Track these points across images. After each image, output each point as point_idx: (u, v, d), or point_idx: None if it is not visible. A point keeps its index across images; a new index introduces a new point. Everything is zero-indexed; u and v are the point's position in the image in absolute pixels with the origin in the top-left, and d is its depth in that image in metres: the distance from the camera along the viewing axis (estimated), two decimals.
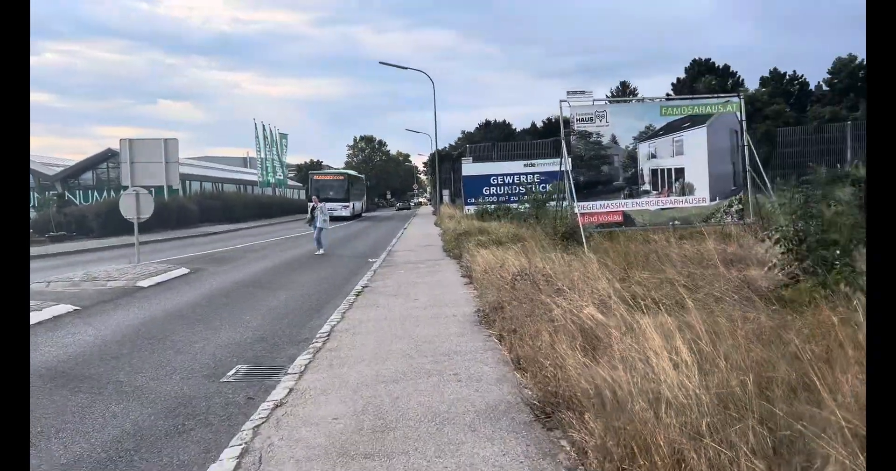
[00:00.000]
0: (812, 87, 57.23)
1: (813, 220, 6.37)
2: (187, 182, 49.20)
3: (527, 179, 30.48)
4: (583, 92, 13.77)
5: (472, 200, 30.73)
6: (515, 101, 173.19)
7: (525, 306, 6.46)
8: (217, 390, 5.65)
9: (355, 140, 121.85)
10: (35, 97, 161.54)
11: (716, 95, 14.81)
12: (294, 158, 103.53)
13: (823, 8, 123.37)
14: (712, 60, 60.12)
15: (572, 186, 13.29)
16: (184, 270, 14.03)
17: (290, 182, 73.13)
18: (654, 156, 13.88)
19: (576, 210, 13.40)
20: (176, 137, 23.38)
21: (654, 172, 13.91)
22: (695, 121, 13.93)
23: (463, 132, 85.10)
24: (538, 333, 5.65)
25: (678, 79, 60.55)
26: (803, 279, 6.21)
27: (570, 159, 13.62)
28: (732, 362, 4.22)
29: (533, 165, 31.84)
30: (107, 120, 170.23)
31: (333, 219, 35.25)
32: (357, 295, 10.02)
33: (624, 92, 60.78)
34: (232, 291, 11.61)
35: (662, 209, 13.92)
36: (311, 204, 20.29)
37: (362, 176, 67.23)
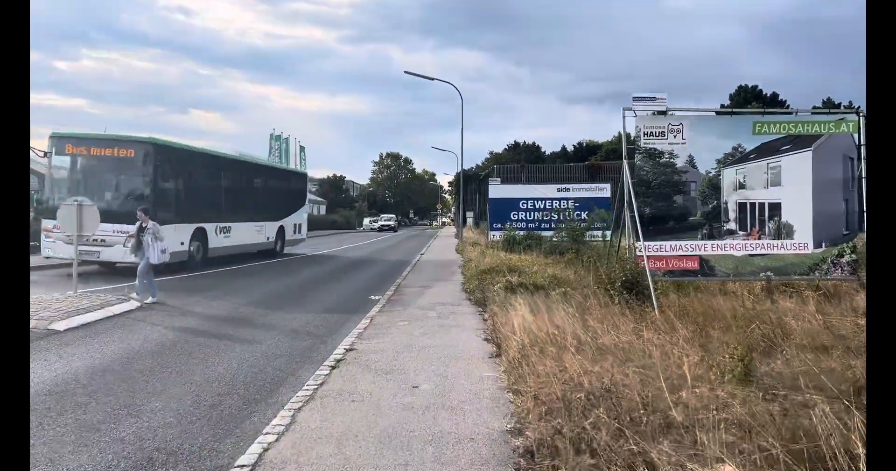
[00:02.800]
0: None
1: None
2: None
3: (560, 204, 27.30)
4: (653, 98, 10.63)
5: (498, 226, 27.66)
6: (542, 124, 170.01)
7: (610, 454, 3.32)
8: None
9: (381, 156, 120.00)
10: (70, 102, 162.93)
11: (827, 111, 11.53)
12: (317, 172, 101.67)
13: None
14: (759, 88, 56.83)
15: (636, 219, 10.11)
16: (131, 305, 11.02)
17: (312, 196, 70.65)
18: (742, 185, 10.68)
19: (639, 252, 10.21)
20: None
21: (741, 206, 10.69)
22: (797, 143, 10.73)
23: (490, 153, 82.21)
24: None
25: (721, 106, 57.18)
26: None
27: (632, 185, 10.46)
28: None
29: (567, 189, 28.68)
30: (139, 127, 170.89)
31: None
32: (334, 367, 6.94)
33: None
34: (176, 342, 8.58)
35: (751, 255, 10.66)
36: (135, 225, 11.53)
37: (293, 169, 28.93)
